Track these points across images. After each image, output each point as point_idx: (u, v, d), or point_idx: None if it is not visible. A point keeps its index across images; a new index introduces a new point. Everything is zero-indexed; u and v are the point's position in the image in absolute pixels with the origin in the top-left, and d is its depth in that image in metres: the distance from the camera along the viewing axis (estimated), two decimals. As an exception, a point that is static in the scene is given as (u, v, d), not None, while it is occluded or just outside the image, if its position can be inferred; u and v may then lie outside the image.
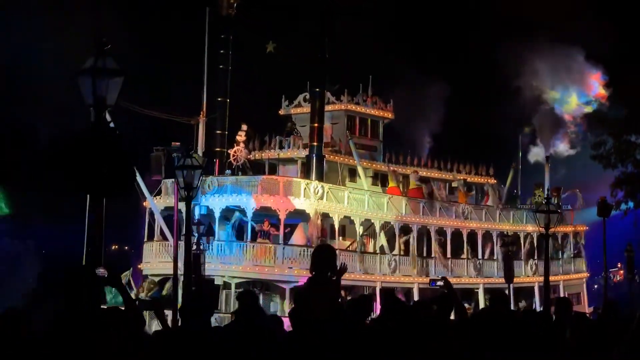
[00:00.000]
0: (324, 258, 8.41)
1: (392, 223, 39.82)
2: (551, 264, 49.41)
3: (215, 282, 34.85)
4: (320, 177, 37.97)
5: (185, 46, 39.30)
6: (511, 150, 53.54)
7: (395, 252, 39.94)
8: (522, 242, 47.04)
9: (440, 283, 10.03)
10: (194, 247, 28.64)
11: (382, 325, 8.49)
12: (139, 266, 37.68)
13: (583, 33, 49.02)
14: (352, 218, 38.07)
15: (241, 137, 38.94)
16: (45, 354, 5.97)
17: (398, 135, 45.58)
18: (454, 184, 46.03)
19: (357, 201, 38.40)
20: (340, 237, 38.64)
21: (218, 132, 39.62)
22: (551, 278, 50.11)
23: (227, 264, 35.16)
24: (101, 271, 7.01)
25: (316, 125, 38.40)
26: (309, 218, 36.46)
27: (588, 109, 53.56)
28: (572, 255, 50.82)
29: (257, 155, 40.63)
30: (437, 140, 49.20)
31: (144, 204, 37.55)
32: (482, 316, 9.91)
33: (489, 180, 49.32)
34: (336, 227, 37.31)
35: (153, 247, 37.32)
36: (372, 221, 38.93)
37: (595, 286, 58.42)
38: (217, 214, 36.16)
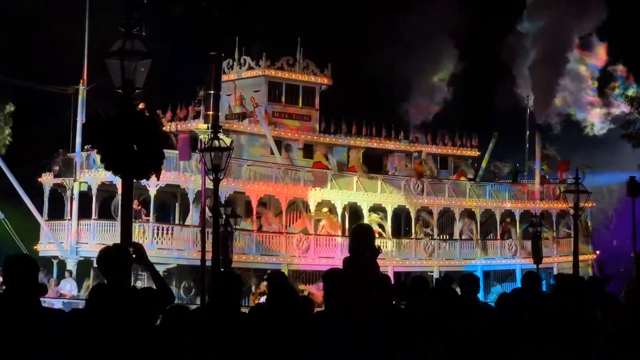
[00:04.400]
0: (362, 238, 7.97)
1: (304, 200, 35.89)
2: (541, 245, 44.42)
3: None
4: (215, 150, 34.43)
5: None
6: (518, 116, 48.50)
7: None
8: (497, 219, 42.10)
9: None
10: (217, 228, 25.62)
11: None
12: (34, 247, 35.09)
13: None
14: (246, 194, 34.32)
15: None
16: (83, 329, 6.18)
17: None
18: (415, 156, 41.47)
19: (259, 175, 34.64)
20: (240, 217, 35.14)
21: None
22: (543, 260, 45.18)
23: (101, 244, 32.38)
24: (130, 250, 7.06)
25: (212, 92, 34.89)
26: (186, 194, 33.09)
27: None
28: (571, 235, 45.23)
29: (171, 127, 37.54)
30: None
31: (39, 179, 35.15)
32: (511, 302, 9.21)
33: (470, 153, 44.48)
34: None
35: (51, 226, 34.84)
36: (277, 198, 35.09)
37: (622, 269, 52.53)
38: (94, 191, 33.39)
